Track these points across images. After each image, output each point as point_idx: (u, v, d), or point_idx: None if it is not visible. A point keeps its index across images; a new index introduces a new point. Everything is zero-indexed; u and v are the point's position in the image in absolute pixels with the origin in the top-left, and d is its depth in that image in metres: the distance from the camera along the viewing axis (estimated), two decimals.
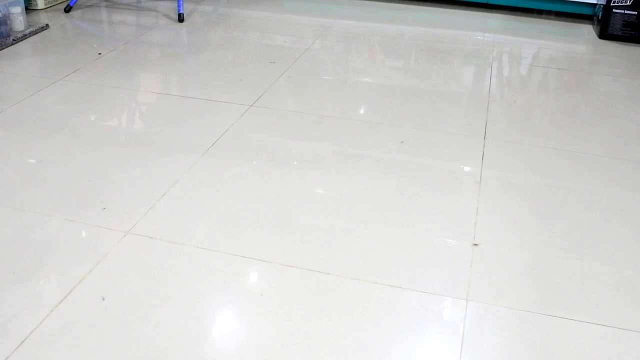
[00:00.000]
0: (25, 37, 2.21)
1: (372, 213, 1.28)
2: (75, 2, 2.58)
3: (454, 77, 2.01)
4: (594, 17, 2.61)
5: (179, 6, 2.50)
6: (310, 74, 1.99)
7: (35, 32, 2.27)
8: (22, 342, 0.94)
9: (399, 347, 0.95)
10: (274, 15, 2.61)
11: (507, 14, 2.72)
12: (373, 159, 1.49)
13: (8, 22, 2.19)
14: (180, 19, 2.49)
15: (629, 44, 2.40)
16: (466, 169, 1.46)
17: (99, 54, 2.11)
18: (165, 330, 0.97)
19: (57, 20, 2.44)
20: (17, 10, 2.21)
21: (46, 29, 2.32)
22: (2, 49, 2.11)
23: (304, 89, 1.88)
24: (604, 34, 2.44)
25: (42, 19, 2.44)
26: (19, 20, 2.22)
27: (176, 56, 2.11)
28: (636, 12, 2.37)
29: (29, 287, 1.05)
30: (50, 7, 2.59)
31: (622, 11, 2.38)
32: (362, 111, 1.75)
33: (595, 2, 2.54)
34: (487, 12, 2.73)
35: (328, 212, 1.28)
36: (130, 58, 2.08)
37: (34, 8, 2.53)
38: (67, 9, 2.54)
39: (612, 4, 2.38)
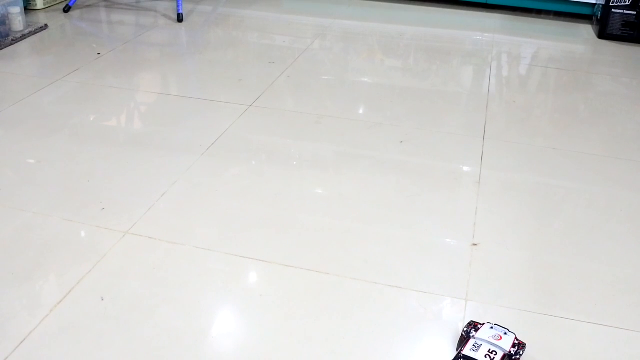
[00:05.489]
0: (24, 37, 2.21)
1: (371, 213, 1.28)
2: (74, 2, 2.58)
3: (453, 77, 2.01)
4: (593, 17, 2.61)
5: (178, 6, 2.50)
6: (310, 74, 1.99)
7: (35, 32, 2.27)
8: (22, 342, 0.94)
9: (398, 347, 0.95)
10: (273, 15, 2.61)
11: (506, 14, 2.72)
12: (372, 159, 1.49)
13: (7, 22, 2.19)
14: (180, 19, 2.48)
15: (628, 43, 2.40)
16: (465, 169, 1.46)
17: (98, 54, 2.11)
18: (165, 330, 0.97)
19: (56, 21, 2.43)
20: (16, 10, 2.21)
21: (45, 29, 2.32)
22: (1, 49, 2.11)
23: (303, 89, 1.88)
24: (603, 34, 2.44)
25: (41, 19, 2.43)
26: (18, 21, 2.22)
27: (175, 56, 2.11)
28: (635, 12, 2.37)
29: (28, 287, 1.05)
30: (49, 7, 2.59)
31: (621, 11, 2.38)
32: (361, 111, 1.75)
33: (594, 2, 2.55)
34: (486, 12, 2.73)
35: (327, 212, 1.28)
36: (129, 58, 2.08)
37: (33, 8, 2.53)
38: (66, 9, 2.54)
39: (611, 4, 2.38)
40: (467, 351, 0.91)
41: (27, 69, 1.96)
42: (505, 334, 0.94)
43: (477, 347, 0.91)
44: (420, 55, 2.20)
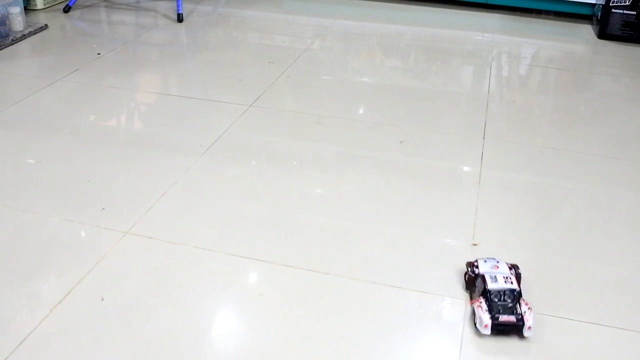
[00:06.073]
0: (24, 37, 2.21)
1: (371, 213, 1.28)
2: (74, 2, 2.58)
3: (453, 77, 2.01)
4: (593, 17, 2.61)
5: (178, 6, 2.50)
6: (310, 74, 1.99)
7: (35, 32, 2.27)
8: (22, 342, 0.94)
9: (398, 347, 0.95)
10: (273, 15, 2.61)
11: (506, 14, 2.72)
12: (372, 159, 1.49)
13: (7, 22, 2.19)
14: (180, 19, 2.49)
15: (628, 43, 2.40)
16: (465, 169, 1.46)
17: (98, 54, 2.11)
18: (165, 330, 0.97)
19: (56, 21, 2.43)
20: (16, 10, 2.21)
21: (45, 29, 2.32)
22: (1, 49, 2.11)
23: (303, 89, 1.88)
24: (603, 34, 2.44)
25: (41, 19, 2.44)
26: (18, 21, 2.22)
27: (175, 56, 2.11)
28: (635, 12, 2.37)
29: (28, 287, 1.05)
30: (49, 7, 2.59)
31: (621, 11, 2.38)
32: (361, 111, 1.75)
33: (594, 2, 2.55)
34: (486, 12, 2.73)
35: (327, 212, 1.28)
36: (129, 58, 2.08)
37: (33, 8, 2.53)
38: (66, 9, 2.54)
39: (611, 4, 2.38)
40: (491, 285, 1.00)
41: (27, 69, 1.96)
42: (497, 262, 1.06)
43: (494, 279, 1.01)
44: (420, 55, 2.20)
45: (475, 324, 0.99)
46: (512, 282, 1.01)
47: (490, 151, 1.55)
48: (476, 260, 1.06)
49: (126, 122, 1.65)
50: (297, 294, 1.05)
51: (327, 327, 0.99)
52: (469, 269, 1.06)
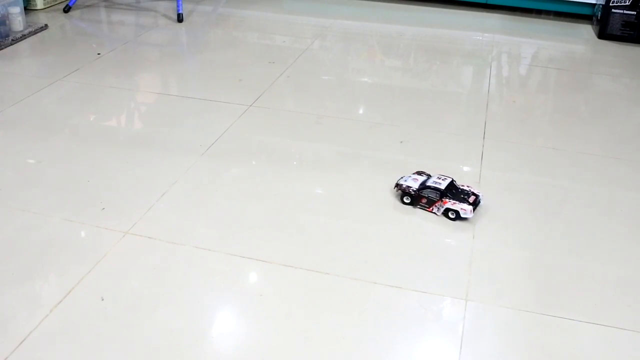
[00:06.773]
0: (24, 37, 2.21)
1: (371, 213, 1.28)
2: (74, 2, 2.58)
3: (453, 77, 2.01)
4: (593, 17, 2.61)
5: (178, 6, 2.50)
6: (310, 74, 1.99)
7: (34, 32, 2.27)
8: (21, 342, 0.94)
9: (398, 347, 0.95)
10: (273, 15, 2.61)
11: (506, 14, 2.72)
12: (372, 159, 1.49)
13: (7, 22, 2.19)
14: (180, 19, 2.49)
15: (628, 43, 2.40)
16: (465, 169, 1.46)
17: (98, 54, 2.11)
18: (165, 330, 0.97)
19: (56, 21, 2.43)
20: (16, 10, 2.21)
21: (45, 29, 2.32)
22: (1, 49, 2.11)
23: (304, 89, 1.88)
24: (603, 34, 2.44)
25: (41, 19, 2.44)
26: (18, 21, 2.22)
27: (175, 56, 2.11)
28: (635, 12, 2.37)
29: (28, 287, 1.05)
30: (50, 7, 2.59)
31: (621, 11, 2.38)
32: (361, 111, 1.75)
33: (594, 2, 2.55)
34: (486, 12, 2.73)
35: (327, 212, 1.28)
36: (129, 58, 2.08)
37: (33, 8, 2.53)
38: (66, 9, 2.54)
39: (611, 4, 2.38)
40: (442, 187, 1.26)
41: (27, 69, 1.96)
42: (410, 176, 1.33)
43: (437, 182, 1.28)
44: (420, 55, 2.20)
45: (455, 218, 1.25)
46: (445, 178, 1.30)
47: (490, 151, 1.55)
48: (401, 184, 1.30)
49: (126, 122, 1.65)
50: (297, 294, 1.05)
51: (327, 327, 0.99)
52: (409, 190, 1.28)
